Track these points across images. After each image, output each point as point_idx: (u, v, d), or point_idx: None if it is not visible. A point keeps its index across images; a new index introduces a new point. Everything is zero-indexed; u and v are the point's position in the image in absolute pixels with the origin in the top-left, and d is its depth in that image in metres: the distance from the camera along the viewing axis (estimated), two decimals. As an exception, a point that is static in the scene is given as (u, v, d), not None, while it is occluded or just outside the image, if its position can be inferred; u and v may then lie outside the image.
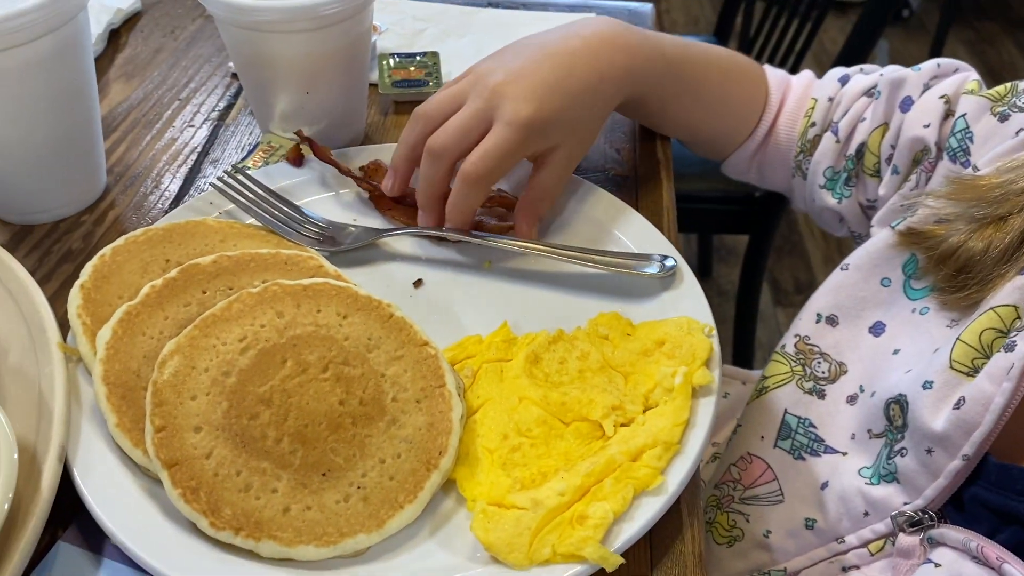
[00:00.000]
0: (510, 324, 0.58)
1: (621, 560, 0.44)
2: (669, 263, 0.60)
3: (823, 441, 0.61)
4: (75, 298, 0.54)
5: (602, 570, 0.45)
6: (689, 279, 0.60)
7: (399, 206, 0.67)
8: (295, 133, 0.69)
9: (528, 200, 0.64)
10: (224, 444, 0.47)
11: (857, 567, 0.56)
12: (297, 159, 0.68)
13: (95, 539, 0.47)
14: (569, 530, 0.45)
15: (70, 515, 0.48)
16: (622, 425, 0.51)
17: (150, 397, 0.48)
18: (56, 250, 0.65)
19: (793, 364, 0.65)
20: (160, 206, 0.70)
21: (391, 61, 0.81)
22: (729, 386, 0.82)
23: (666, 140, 0.78)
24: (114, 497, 0.46)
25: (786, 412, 0.63)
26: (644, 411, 0.52)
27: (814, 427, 0.62)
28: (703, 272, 2.20)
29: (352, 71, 0.70)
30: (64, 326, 0.54)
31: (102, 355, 0.50)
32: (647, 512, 0.47)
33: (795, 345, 0.65)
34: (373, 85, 0.81)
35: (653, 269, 0.60)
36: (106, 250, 0.57)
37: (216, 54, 0.89)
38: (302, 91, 0.69)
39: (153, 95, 0.83)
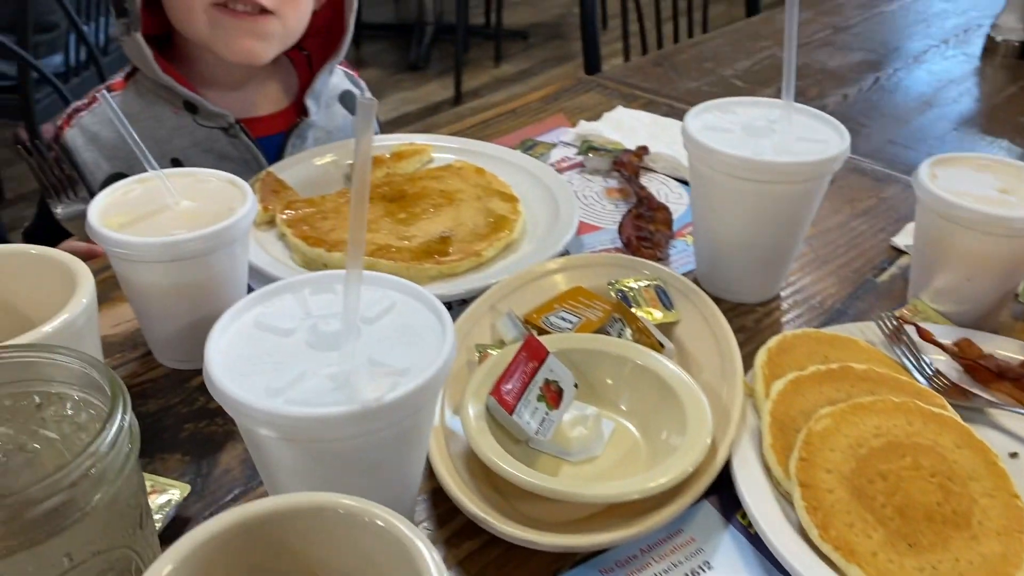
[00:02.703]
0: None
1: None
2: None
3: None
4: (761, 355, 0.77)
5: None
6: None
7: (1000, 381, 0.78)
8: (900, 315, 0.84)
9: None
10: (844, 489, 0.64)
11: None
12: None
13: (729, 508, 0.68)
14: None
15: (717, 487, 0.69)
16: None
17: (802, 437, 0.67)
18: (734, 324, 0.90)
19: None
20: (815, 321, 0.91)
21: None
22: None
23: None
24: (752, 487, 0.66)
25: None
26: None
27: None
28: None
29: (1012, 275, 0.84)
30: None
31: (773, 397, 0.72)
32: None
33: None
34: None
35: None
36: (786, 333, 0.80)
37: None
38: (964, 278, 0.85)
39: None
